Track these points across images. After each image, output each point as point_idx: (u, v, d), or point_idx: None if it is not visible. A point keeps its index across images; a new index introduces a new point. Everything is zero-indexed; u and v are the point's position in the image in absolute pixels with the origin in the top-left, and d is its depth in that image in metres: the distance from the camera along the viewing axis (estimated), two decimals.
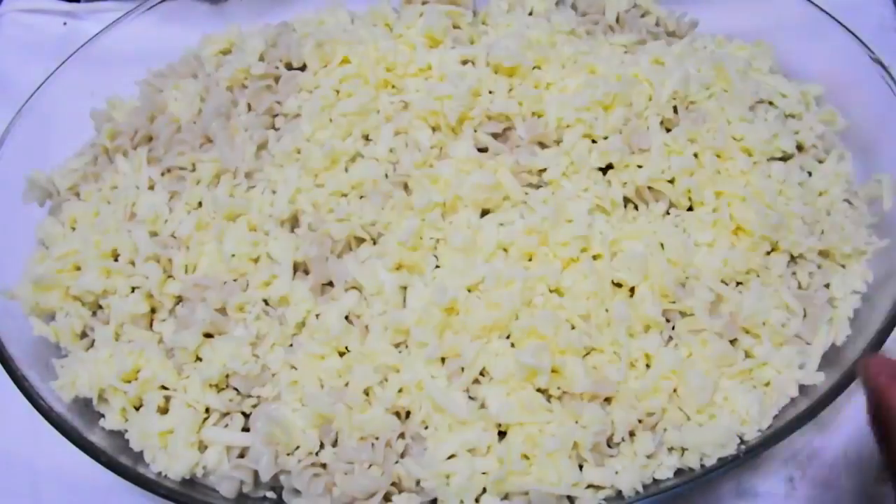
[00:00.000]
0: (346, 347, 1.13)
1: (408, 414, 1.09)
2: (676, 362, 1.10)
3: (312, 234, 1.19)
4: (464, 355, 1.10)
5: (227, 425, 1.11)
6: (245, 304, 1.15)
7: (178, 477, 1.08)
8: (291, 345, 1.14)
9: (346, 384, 1.10)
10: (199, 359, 1.14)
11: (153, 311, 1.19)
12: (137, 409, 1.14)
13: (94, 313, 1.21)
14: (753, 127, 1.26)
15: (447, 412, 1.07)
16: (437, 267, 1.17)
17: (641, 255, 1.15)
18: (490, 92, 1.27)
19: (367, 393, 1.10)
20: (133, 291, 1.19)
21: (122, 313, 1.16)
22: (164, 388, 1.12)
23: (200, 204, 1.24)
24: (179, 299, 1.19)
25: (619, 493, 1.06)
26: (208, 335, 1.15)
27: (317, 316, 1.14)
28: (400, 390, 1.09)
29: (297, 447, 1.08)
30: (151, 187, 1.27)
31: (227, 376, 1.12)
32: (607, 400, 1.10)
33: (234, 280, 1.18)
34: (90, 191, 1.28)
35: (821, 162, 1.29)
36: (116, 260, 1.21)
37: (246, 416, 1.12)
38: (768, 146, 1.25)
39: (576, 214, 1.18)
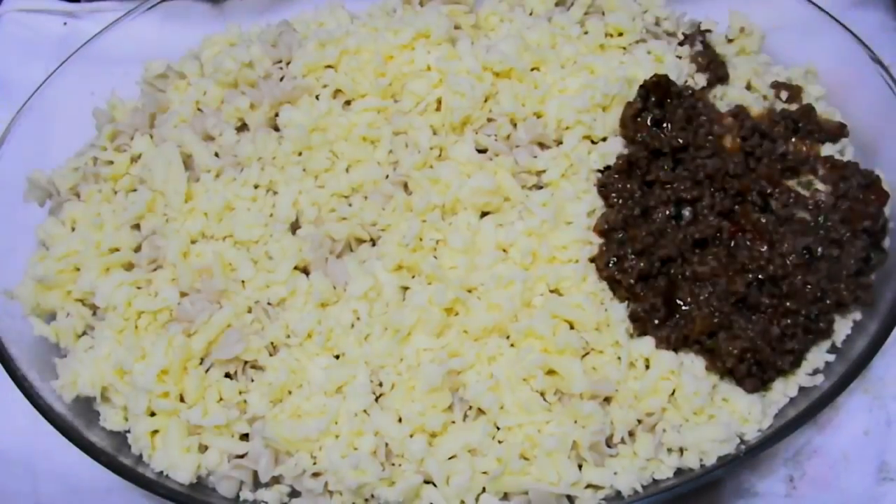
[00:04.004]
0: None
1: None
2: (675, 363, 1.10)
3: (313, 236, 1.19)
4: (464, 356, 1.10)
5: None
6: (244, 302, 1.16)
7: (186, 482, 1.08)
8: (289, 346, 1.14)
9: (345, 386, 1.10)
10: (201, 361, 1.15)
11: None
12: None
13: (94, 313, 1.21)
14: None
15: (447, 413, 1.08)
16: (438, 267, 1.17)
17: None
18: (496, 94, 1.27)
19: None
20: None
21: (123, 313, 1.16)
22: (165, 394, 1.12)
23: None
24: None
25: (619, 493, 1.07)
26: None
27: (318, 320, 1.14)
28: (395, 387, 1.10)
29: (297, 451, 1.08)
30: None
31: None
32: (606, 400, 1.10)
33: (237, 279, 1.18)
34: (90, 191, 1.28)
35: None
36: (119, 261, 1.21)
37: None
38: None
39: (575, 216, 1.18)
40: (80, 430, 1.11)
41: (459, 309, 1.14)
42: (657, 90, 1.22)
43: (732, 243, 1.17)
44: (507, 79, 1.28)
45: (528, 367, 1.08)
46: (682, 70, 1.30)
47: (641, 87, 1.24)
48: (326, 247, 1.19)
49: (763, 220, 1.16)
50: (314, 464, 1.07)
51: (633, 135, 1.22)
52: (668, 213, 1.18)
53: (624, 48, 1.36)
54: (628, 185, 1.19)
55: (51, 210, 1.33)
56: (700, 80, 1.32)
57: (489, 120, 1.26)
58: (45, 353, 1.20)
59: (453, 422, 1.09)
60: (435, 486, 1.06)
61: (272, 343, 1.14)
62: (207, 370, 1.14)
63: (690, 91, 1.27)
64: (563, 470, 1.05)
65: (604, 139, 1.24)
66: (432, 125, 1.25)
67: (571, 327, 1.12)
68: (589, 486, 1.07)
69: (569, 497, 1.07)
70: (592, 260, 1.16)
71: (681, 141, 1.20)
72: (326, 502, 1.06)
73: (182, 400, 1.12)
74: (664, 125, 1.22)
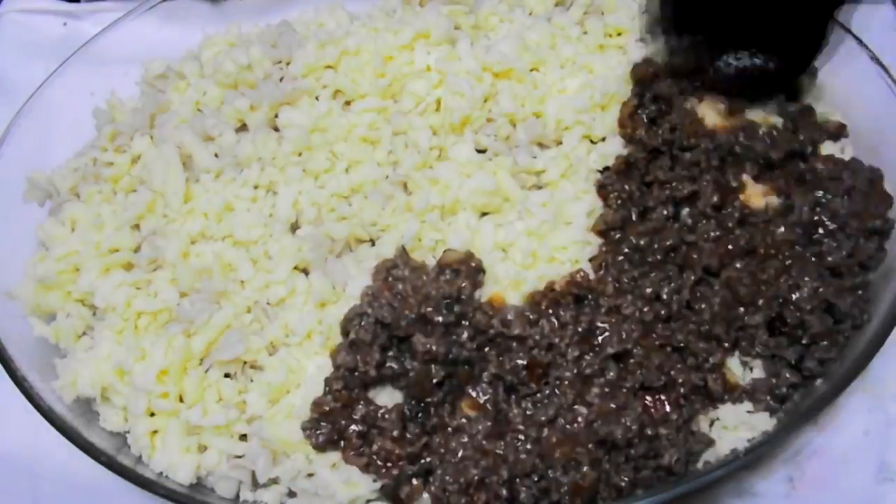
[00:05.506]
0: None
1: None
2: None
3: (313, 236, 1.19)
4: None
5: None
6: (243, 302, 1.16)
7: (186, 482, 1.08)
8: (289, 346, 1.14)
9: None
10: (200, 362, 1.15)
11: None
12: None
13: (94, 313, 1.21)
14: None
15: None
16: None
17: None
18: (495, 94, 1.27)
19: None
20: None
21: (123, 313, 1.16)
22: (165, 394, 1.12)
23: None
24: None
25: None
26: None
27: (318, 320, 1.14)
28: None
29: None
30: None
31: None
32: None
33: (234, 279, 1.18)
34: (90, 191, 1.28)
35: None
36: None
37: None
38: None
39: (574, 216, 1.18)
40: (80, 431, 1.11)
41: None
42: (642, 74, 1.24)
43: None
44: (506, 79, 1.28)
45: None
46: None
47: (633, 81, 1.25)
48: (326, 247, 1.19)
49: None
50: (310, 464, 1.07)
51: (632, 133, 1.22)
52: (665, 213, 1.18)
53: (623, 48, 1.36)
54: (626, 186, 1.19)
55: (51, 210, 1.33)
56: None
57: (489, 120, 1.26)
58: (45, 353, 1.20)
59: None
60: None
61: (272, 343, 1.14)
62: (207, 370, 1.13)
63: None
64: None
65: (603, 139, 1.24)
66: (432, 125, 1.25)
67: None
68: None
69: None
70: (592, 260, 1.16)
71: (671, 127, 1.20)
72: (323, 503, 1.06)
73: (182, 400, 1.12)
74: (660, 121, 1.22)
